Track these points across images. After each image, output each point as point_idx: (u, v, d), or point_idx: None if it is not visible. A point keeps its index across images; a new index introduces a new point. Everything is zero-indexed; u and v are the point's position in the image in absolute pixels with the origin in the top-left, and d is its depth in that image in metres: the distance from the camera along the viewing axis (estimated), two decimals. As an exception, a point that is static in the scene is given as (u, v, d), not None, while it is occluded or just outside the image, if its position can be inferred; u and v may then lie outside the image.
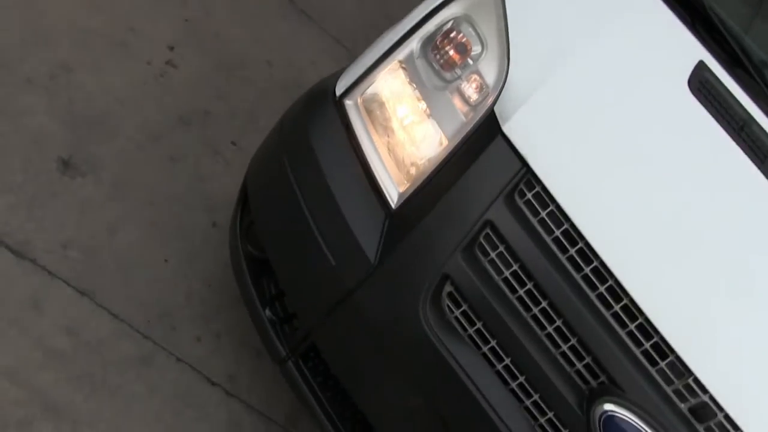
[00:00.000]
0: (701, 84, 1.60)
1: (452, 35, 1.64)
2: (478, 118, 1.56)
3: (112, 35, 2.58)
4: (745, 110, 1.59)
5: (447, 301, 1.53)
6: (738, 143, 1.55)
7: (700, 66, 1.64)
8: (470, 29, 1.61)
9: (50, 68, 2.27)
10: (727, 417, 1.40)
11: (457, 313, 1.52)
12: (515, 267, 1.48)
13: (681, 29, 1.66)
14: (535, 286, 1.48)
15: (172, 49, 2.76)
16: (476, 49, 1.61)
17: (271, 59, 3.06)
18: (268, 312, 1.79)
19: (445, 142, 1.59)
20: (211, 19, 3.05)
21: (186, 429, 1.89)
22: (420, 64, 1.65)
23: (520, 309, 1.49)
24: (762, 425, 1.38)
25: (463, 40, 1.63)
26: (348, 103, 1.73)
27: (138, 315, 2.00)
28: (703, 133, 1.55)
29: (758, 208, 1.53)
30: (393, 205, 1.60)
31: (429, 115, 1.63)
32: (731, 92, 1.60)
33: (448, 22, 1.63)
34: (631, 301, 1.43)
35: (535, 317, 1.48)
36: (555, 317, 1.46)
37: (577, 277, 1.46)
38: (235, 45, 3.01)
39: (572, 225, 1.46)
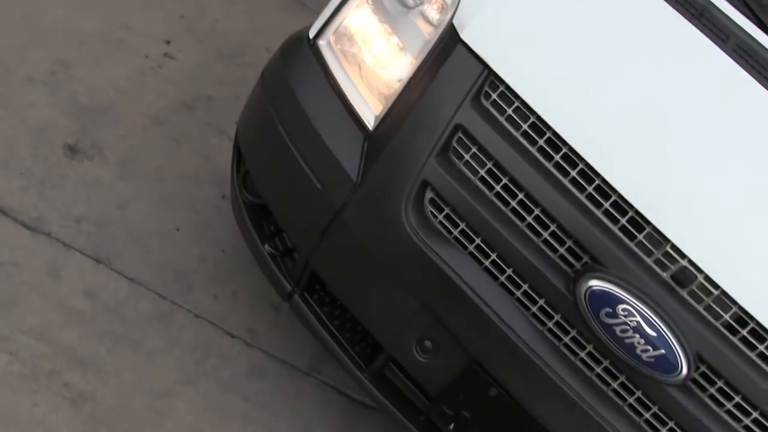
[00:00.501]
0: None
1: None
2: (439, 33, 1.62)
3: (108, 33, 2.70)
4: None
5: (429, 207, 1.59)
6: (697, 26, 1.58)
7: None
8: None
9: (50, 66, 2.39)
10: (707, 278, 1.42)
11: (441, 217, 1.57)
12: (489, 165, 1.53)
13: None
14: (511, 180, 1.52)
15: (168, 42, 2.87)
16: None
17: (269, 46, 3.14)
18: (267, 247, 1.86)
19: (413, 62, 1.66)
20: (207, 14, 3.16)
21: (208, 376, 1.96)
22: None
23: (499, 204, 1.53)
24: (739, 280, 1.41)
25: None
26: (321, 43, 1.81)
27: (154, 278, 2.08)
28: (661, 17, 1.59)
29: (720, 82, 1.56)
30: (370, 127, 1.66)
31: (396, 41, 1.70)
32: None
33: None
34: (603, 181, 1.46)
35: (514, 210, 1.52)
36: (533, 207, 1.51)
37: (549, 165, 1.50)
38: (232, 35, 3.12)
39: (538, 117, 1.50)
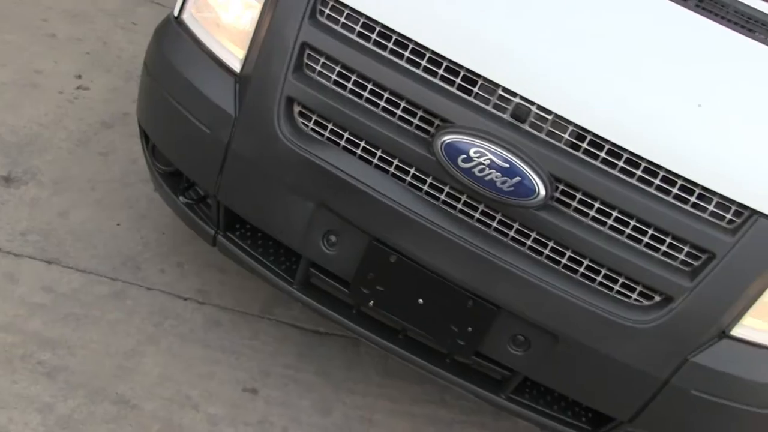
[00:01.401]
0: None
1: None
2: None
3: (21, 80, 2.88)
4: None
5: (300, 119, 1.79)
6: None
7: None
8: None
9: (-29, 116, 2.59)
10: (540, 107, 1.61)
11: (311, 124, 1.77)
12: (338, 69, 1.73)
13: None
14: (359, 76, 1.70)
15: (79, 77, 3.06)
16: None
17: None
18: (182, 198, 2.05)
19: (258, 5, 1.86)
20: (111, 46, 3.36)
21: (167, 334, 2.12)
22: None
23: (355, 99, 1.72)
24: (568, 102, 1.60)
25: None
26: (184, 17, 2.01)
27: (103, 266, 2.24)
28: None
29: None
30: (237, 70, 1.86)
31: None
32: None
33: None
34: (433, 52, 1.66)
35: (368, 100, 1.71)
36: (382, 93, 1.70)
37: (385, 53, 1.70)
38: (138, 59, 3.28)
39: (367, 18, 1.71)
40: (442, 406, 2.31)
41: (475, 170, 1.61)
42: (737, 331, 1.72)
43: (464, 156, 1.62)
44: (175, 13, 2.03)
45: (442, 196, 1.71)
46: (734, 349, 1.73)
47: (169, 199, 2.10)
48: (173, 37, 2.01)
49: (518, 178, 1.60)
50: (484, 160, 1.61)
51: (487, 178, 1.61)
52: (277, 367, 2.18)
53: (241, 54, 1.85)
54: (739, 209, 1.61)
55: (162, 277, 2.31)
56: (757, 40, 1.75)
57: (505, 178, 1.61)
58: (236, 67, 1.85)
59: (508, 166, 1.60)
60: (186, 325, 2.19)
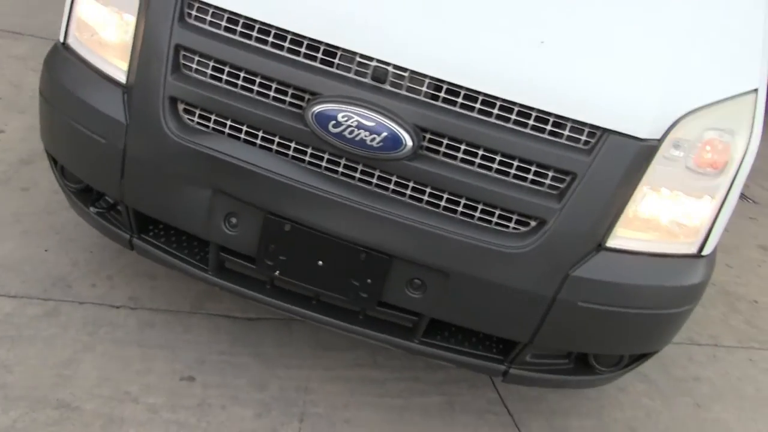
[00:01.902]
0: None
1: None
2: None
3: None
4: None
5: (185, 116, 1.91)
6: None
7: None
8: None
9: None
10: (396, 66, 1.76)
11: (196, 119, 1.90)
12: (211, 63, 1.87)
13: None
14: (231, 67, 1.84)
15: (-6, 122, 3.16)
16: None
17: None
18: (93, 208, 2.16)
19: (133, 19, 1.98)
20: (23, 88, 3.45)
21: (103, 340, 2.21)
22: None
23: (232, 88, 1.86)
24: (420, 57, 1.74)
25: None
26: (70, 41, 2.13)
27: (34, 289, 2.31)
28: None
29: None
30: (124, 81, 1.98)
31: (117, 11, 2.02)
32: None
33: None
34: (294, 34, 1.79)
35: (243, 87, 1.85)
36: (253, 78, 1.84)
37: (252, 42, 1.82)
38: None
39: (231, 12, 1.84)
40: (374, 368, 2.43)
41: (345, 132, 1.75)
42: (612, 243, 1.88)
43: (334, 122, 1.75)
44: (61, 39, 2.14)
45: (324, 163, 1.84)
46: (611, 259, 1.89)
47: (83, 213, 2.20)
48: (62, 62, 2.11)
49: (385, 134, 1.74)
50: (352, 122, 1.74)
51: (357, 139, 1.75)
52: (212, 355, 2.29)
53: (124, 66, 1.96)
54: (591, 130, 1.77)
55: (93, 291, 2.40)
56: None
57: (374, 135, 1.74)
58: (122, 78, 1.96)
59: (373, 124, 1.74)
60: (120, 330, 2.28)
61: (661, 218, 1.93)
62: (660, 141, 1.80)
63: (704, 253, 2.01)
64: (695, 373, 3.03)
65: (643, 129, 1.77)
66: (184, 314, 2.42)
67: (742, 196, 5.39)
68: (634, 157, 1.79)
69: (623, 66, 1.80)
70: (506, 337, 1.98)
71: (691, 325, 3.37)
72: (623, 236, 1.89)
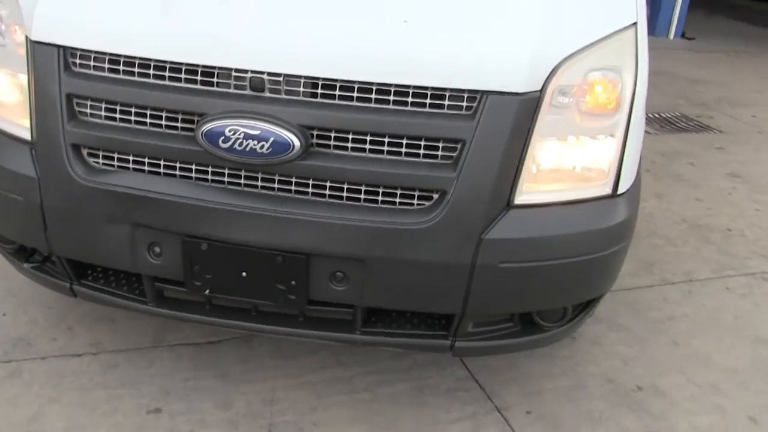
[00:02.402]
0: None
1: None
2: (17, 48, 2.04)
3: None
4: None
5: (90, 159, 1.99)
6: None
7: None
8: None
9: None
10: (270, 73, 1.83)
11: (101, 160, 1.97)
12: (103, 105, 1.95)
13: None
14: (121, 104, 1.92)
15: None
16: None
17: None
18: (26, 264, 2.25)
19: (24, 77, 2.06)
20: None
21: (68, 390, 2.27)
22: None
23: (127, 125, 1.93)
24: (288, 62, 1.81)
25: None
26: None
27: (-5, 354, 2.46)
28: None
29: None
30: (29, 138, 2.06)
31: (11, 73, 2.10)
32: None
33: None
34: (171, 62, 1.87)
35: (136, 122, 1.92)
36: (144, 111, 1.91)
37: (135, 78, 1.90)
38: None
39: (110, 54, 1.92)
40: (338, 367, 2.50)
41: (236, 145, 1.82)
42: (520, 199, 1.93)
43: (222, 137, 1.82)
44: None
45: (225, 178, 1.91)
46: (522, 216, 1.94)
47: (21, 269, 2.29)
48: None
49: (272, 139, 1.80)
50: (239, 134, 1.81)
51: (248, 149, 1.82)
52: (176, 384, 2.36)
53: (27, 123, 2.04)
54: (470, 95, 1.82)
55: (54, 344, 2.49)
56: None
57: (262, 142, 1.81)
58: (27, 136, 2.04)
59: (258, 132, 1.80)
60: (84, 377, 2.36)
61: (565, 166, 1.98)
62: (541, 92, 1.85)
63: (620, 191, 2.05)
64: (670, 313, 3.07)
65: (520, 83, 1.82)
66: (146, 350, 2.50)
67: (706, 128, 5.41)
68: (517, 112, 1.84)
69: (488, 27, 1.87)
70: (438, 311, 2.04)
71: (663, 266, 3.41)
72: (530, 191, 1.94)
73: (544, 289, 2.05)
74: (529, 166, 1.92)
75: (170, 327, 2.59)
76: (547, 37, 1.88)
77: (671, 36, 8.91)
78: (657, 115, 5.69)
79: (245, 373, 2.43)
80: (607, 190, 2.03)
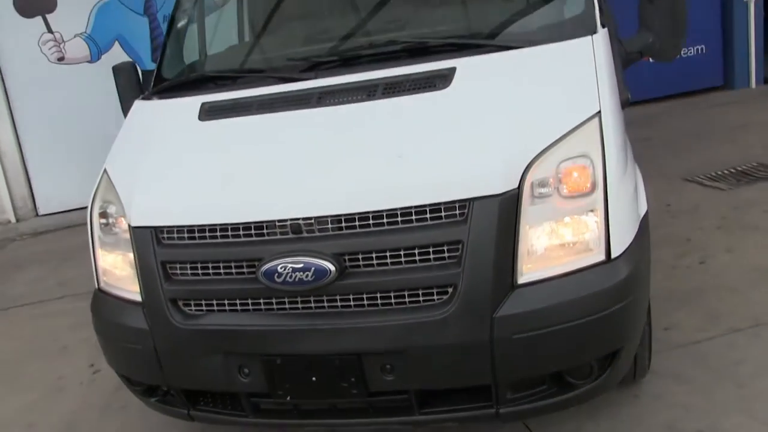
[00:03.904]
0: (204, 112, 2.86)
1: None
2: (126, 235, 2.78)
3: (47, 386, 3.91)
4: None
5: (185, 308, 2.63)
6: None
7: (203, 106, 2.91)
8: None
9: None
10: (304, 219, 2.45)
11: (194, 307, 2.63)
12: (189, 265, 2.62)
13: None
14: (203, 263, 2.59)
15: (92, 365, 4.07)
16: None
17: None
18: (152, 399, 2.90)
19: (130, 253, 2.78)
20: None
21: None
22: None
23: (209, 277, 2.58)
24: (315, 207, 2.44)
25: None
26: (102, 285, 2.95)
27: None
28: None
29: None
30: (140, 300, 2.75)
31: (122, 254, 2.83)
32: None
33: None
34: (231, 224, 2.54)
35: (215, 273, 2.57)
36: (219, 264, 2.57)
37: (209, 240, 2.59)
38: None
39: (188, 226, 2.62)
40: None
41: (287, 278, 2.42)
42: (522, 279, 2.41)
43: (276, 273, 2.43)
44: (96, 286, 2.98)
45: (286, 305, 2.51)
46: (526, 293, 2.41)
47: (149, 404, 2.95)
48: (100, 303, 2.94)
49: (313, 269, 2.40)
50: (288, 269, 2.42)
51: (296, 280, 2.42)
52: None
53: (137, 289, 2.75)
54: (460, 204, 2.36)
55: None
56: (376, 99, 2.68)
57: (306, 272, 2.41)
58: (138, 298, 2.75)
59: (302, 265, 2.41)
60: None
61: (557, 245, 2.45)
62: (519, 188, 2.37)
63: (614, 255, 2.48)
64: (736, 358, 3.32)
65: (497, 186, 2.35)
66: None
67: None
68: (500, 208, 2.35)
69: (463, 146, 2.45)
70: (474, 384, 2.50)
71: (730, 316, 3.66)
72: (530, 271, 2.42)
73: (559, 350, 2.47)
74: (525, 251, 2.41)
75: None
76: (516, 141, 2.42)
77: (752, 85, 9.06)
78: (732, 170, 5.90)
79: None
80: (601, 257, 2.46)
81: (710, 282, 4.06)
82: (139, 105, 3.32)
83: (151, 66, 7.58)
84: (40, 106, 7.59)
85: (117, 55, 7.55)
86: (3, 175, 7.53)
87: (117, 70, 3.69)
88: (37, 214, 7.79)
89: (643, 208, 2.75)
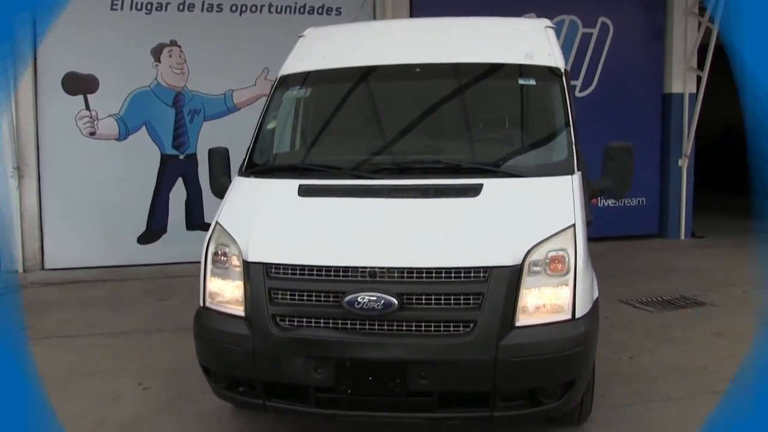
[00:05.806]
0: (302, 191, 4.29)
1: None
2: (241, 269, 4.12)
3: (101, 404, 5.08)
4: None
5: (281, 323, 3.96)
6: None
7: (301, 186, 4.34)
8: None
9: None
10: (379, 266, 3.84)
11: (287, 322, 3.95)
12: (288, 293, 3.96)
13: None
14: (299, 290, 3.95)
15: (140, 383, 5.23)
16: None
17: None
18: (237, 393, 4.14)
19: (241, 283, 4.12)
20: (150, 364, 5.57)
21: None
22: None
23: (301, 300, 3.94)
24: (387, 260, 3.86)
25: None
26: (207, 304, 4.28)
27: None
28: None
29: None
30: (243, 314, 4.08)
31: (232, 281, 4.16)
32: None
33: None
34: (325, 266, 3.92)
35: (308, 298, 3.94)
36: (311, 294, 3.94)
37: (305, 276, 3.96)
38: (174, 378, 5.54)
39: (290, 265, 3.99)
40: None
41: (363, 306, 3.80)
42: (518, 323, 3.84)
43: (357, 303, 3.81)
44: (201, 304, 4.28)
45: (358, 325, 3.86)
46: (520, 332, 3.83)
47: (229, 398, 4.20)
48: (205, 315, 4.23)
49: (383, 302, 3.79)
50: (365, 301, 3.80)
51: (370, 308, 3.79)
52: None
53: (241, 308, 4.07)
54: (484, 269, 3.82)
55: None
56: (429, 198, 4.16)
57: (378, 303, 3.79)
58: (240, 313, 4.06)
59: (375, 298, 3.79)
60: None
61: (541, 304, 3.90)
62: (522, 265, 3.84)
63: (578, 316, 3.94)
64: (649, 419, 4.76)
65: (509, 261, 3.83)
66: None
67: (701, 303, 7.24)
68: (510, 276, 3.82)
69: (490, 235, 3.92)
70: (479, 389, 3.86)
71: (648, 392, 5.12)
72: (523, 319, 3.86)
73: (539, 373, 3.87)
74: (522, 305, 3.85)
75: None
76: (521, 235, 3.92)
77: (682, 237, 11.00)
78: (659, 299, 7.60)
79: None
80: (569, 316, 3.92)
81: (635, 370, 5.55)
82: (240, 180, 4.74)
83: (170, 150, 9.08)
84: (65, 173, 8.94)
85: (141, 137, 8.97)
86: (20, 229, 8.69)
87: (212, 152, 5.11)
88: (42, 268, 8.93)
89: (596, 294, 4.24)
